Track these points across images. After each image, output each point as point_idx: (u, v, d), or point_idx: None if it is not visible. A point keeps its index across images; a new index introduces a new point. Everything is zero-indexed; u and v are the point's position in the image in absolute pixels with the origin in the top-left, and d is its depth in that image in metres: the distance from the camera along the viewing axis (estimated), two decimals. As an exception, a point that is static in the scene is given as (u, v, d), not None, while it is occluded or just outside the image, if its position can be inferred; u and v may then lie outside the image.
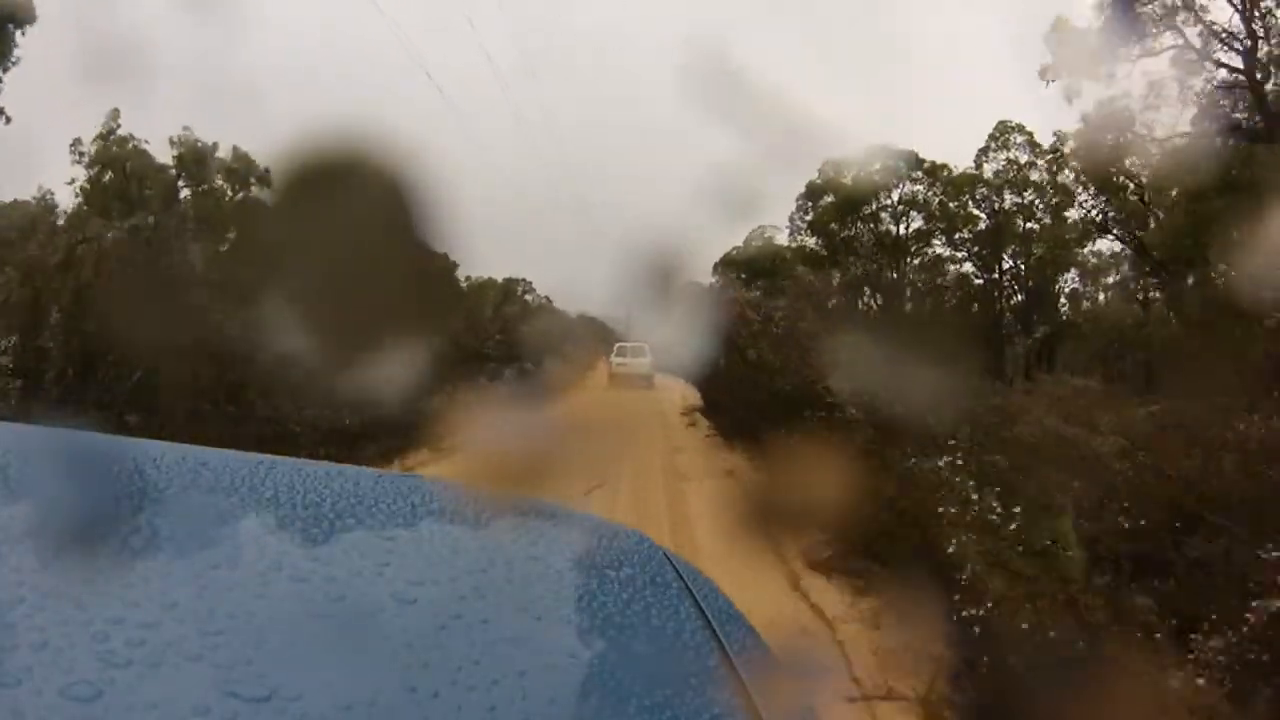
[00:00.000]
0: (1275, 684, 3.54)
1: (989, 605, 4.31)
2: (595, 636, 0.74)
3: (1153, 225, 13.98)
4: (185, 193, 15.40)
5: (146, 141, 14.96)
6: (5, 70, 12.53)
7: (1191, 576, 4.68)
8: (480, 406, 9.48)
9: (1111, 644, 3.94)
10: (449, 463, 8.09)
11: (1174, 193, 12.95)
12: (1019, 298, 16.08)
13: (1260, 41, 12.12)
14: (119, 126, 14.71)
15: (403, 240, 1.09)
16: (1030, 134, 15.55)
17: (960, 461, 5.99)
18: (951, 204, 15.96)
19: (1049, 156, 15.13)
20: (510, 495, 1.06)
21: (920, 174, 16.09)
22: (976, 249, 15.96)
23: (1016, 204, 15.76)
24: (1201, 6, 12.38)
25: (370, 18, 23.88)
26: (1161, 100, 12.53)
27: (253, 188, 15.20)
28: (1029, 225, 15.77)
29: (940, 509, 5.35)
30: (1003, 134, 15.69)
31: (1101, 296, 16.25)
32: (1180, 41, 12.46)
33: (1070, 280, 16.17)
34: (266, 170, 14.70)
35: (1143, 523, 5.24)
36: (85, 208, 14.26)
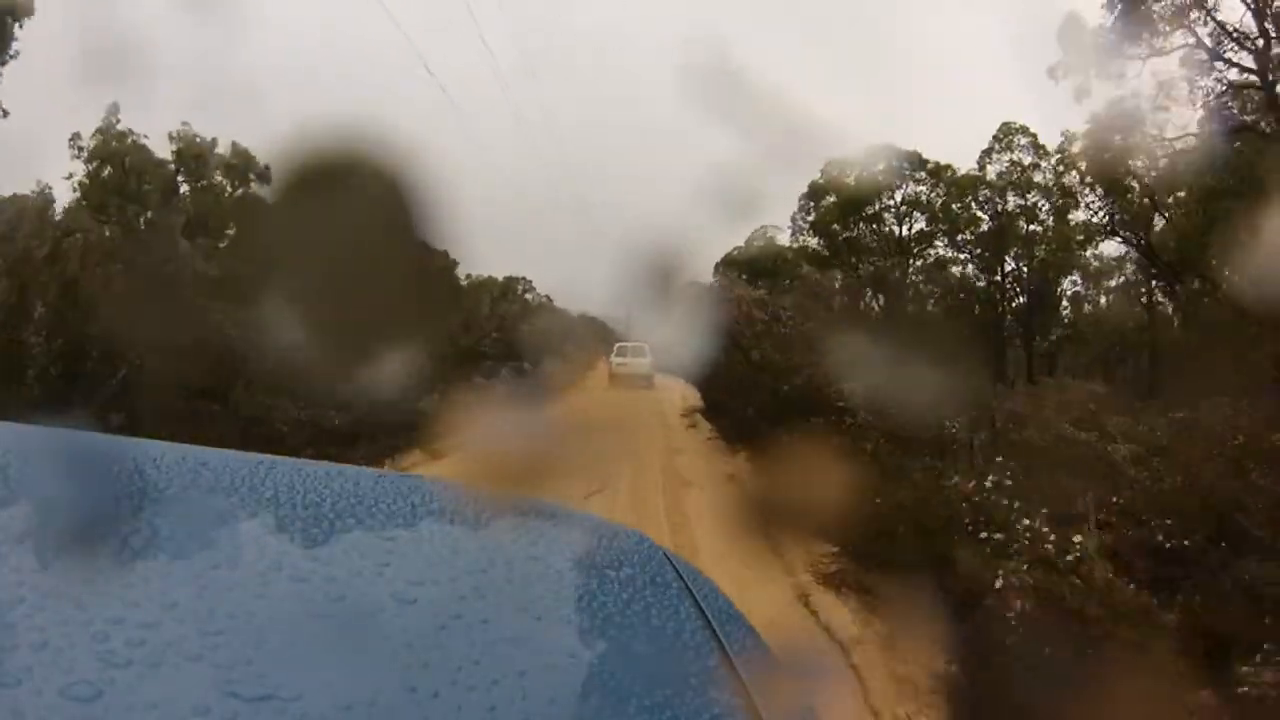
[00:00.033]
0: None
1: (1021, 632, 4.06)
2: (595, 636, 0.74)
3: (1159, 227, 13.89)
4: (184, 189, 15.37)
5: (145, 136, 14.92)
6: (3, 64, 12.49)
7: (1217, 589, 4.41)
8: (476, 406, 9.29)
9: (1148, 672, 3.69)
10: (441, 465, 7.93)
11: (1183, 194, 12.84)
12: (1021, 300, 16.05)
13: (1273, 41, 12.01)
14: (118, 121, 14.69)
15: (400, 237, 1.09)
16: (1034, 135, 15.51)
17: (1008, 481, 5.60)
18: (955, 205, 15.92)
19: (1056, 156, 15.04)
20: (510, 495, 1.06)
21: (924, 174, 16.06)
22: (979, 251, 15.94)
23: (1020, 206, 15.73)
24: (1213, 5, 12.28)
25: (370, 17, 23.86)
26: (1172, 100, 12.41)
27: (252, 184, 15.18)
28: (1032, 227, 15.73)
29: (984, 534, 5.01)
30: (1006, 135, 15.66)
31: (1103, 300, 16.21)
32: (1191, 40, 12.36)
33: (1073, 283, 16.13)
34: (266, 167, 14.68)
35: (1167, 534, 4.98)
36: (83, 203, 14.24)
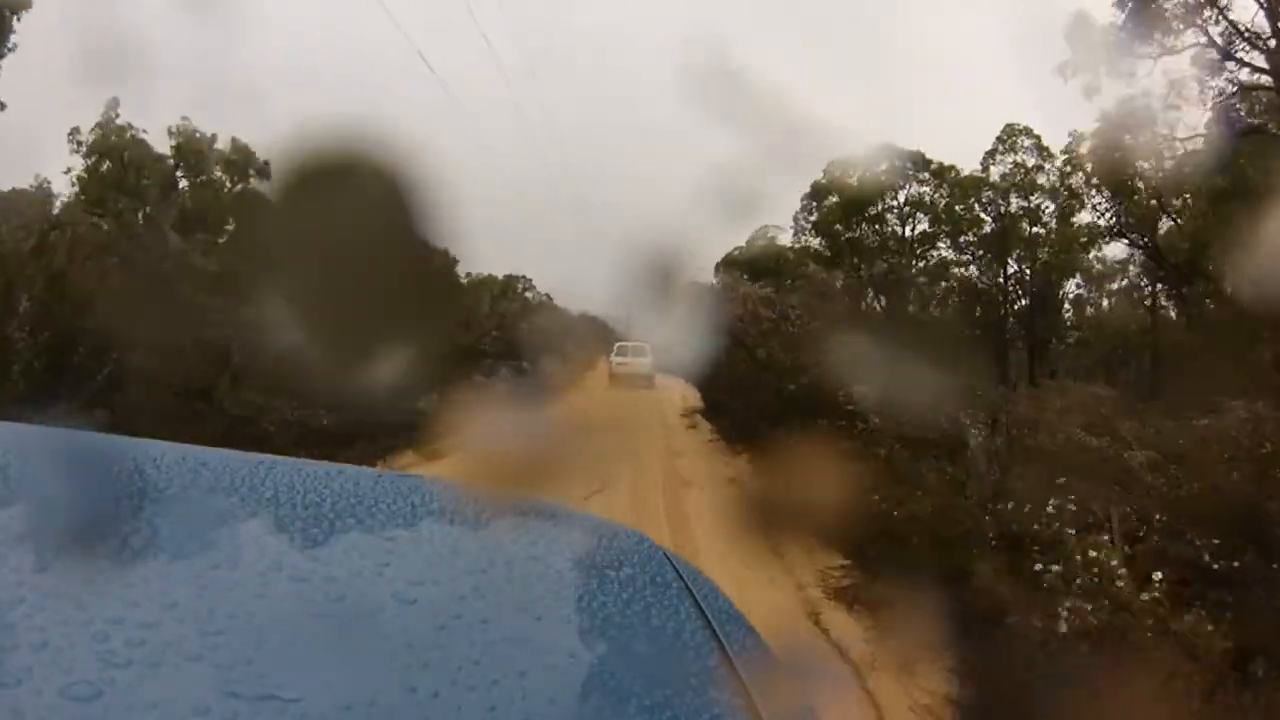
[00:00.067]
0: None
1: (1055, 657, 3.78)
2: (595, 636, 0.74)
3: (1165, 229, 13.78)
4: (183, 184, 15.36)
5: (144, 131, 14.92)
6: (1, 57, 12.46)
7: (1269, 609, 4.13)
8: (474, 406, 9.06)
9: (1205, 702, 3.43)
10: (437, 467, 7.76)
11: (1191, 196, 12.72)
12: (1023, 302, 16.00)
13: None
14: (117, 116, 14.68)
15: (398, 234, 1.09)
16: (1038, 137, 15.46)
17: (1072, 507, 5.18)
18: (958, 207, 15.89)
19: (1063, 156, 14.95)
20: (510, 495, 1.06)
21: (927, 175, 16.03)
22: (981, 253, 15.90)
23: (1023, 208, 15.68)
24: (1226, 4, 12.16)
25: (371, 18, 23.89)
26: (1183, 100, 12.29)
27: (252, 180, 15.16)
28: (1035, 229, 15.68)
29: (1040, 566, 4.62)
30: (1010, 136, 15.62)
31: (1105, 303, 16.16)
32: (1203, 40, 12.26)
33: (1075, 285, 16.07)
34: (266, 163, 14.67)
35: (1211, 552, 4.69)
36: (81, 197, 14.22)
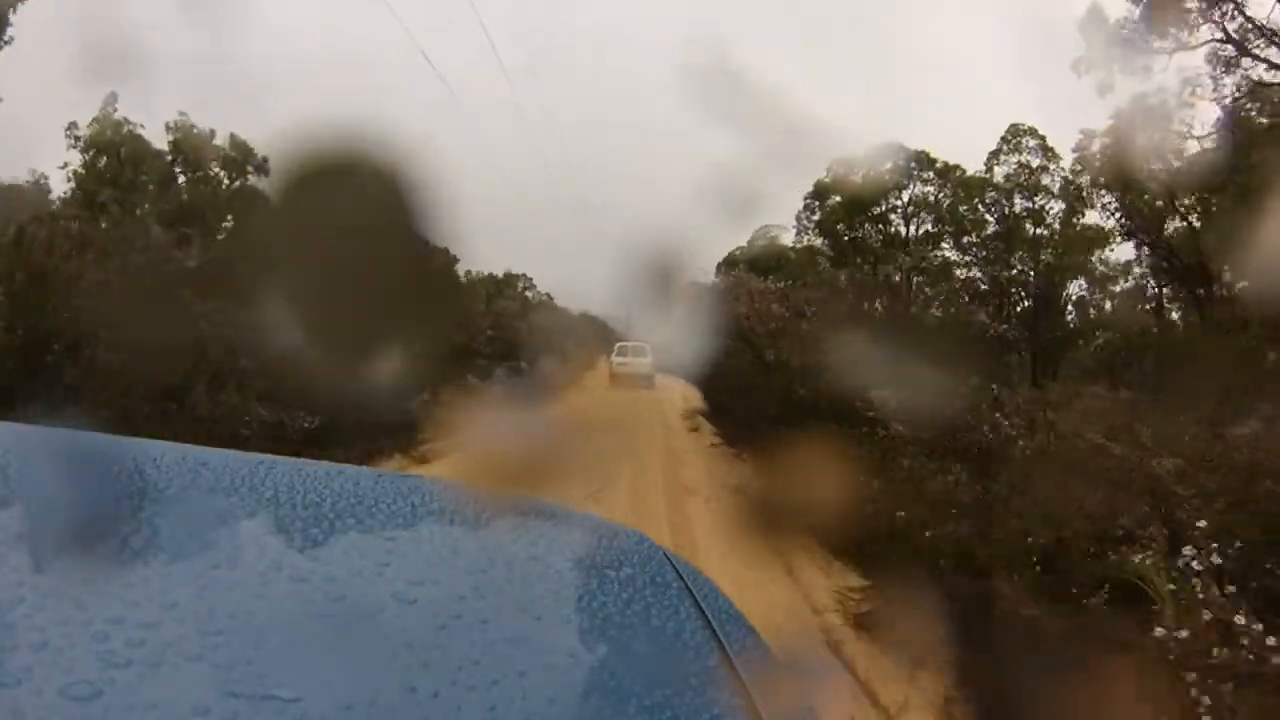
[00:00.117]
0: None
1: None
2: (595, 636, 0.74)
3: (1179, 229, 13.65)
4: (181, 180, 15.34)
5: (141, 126, 14.89)
6: (-2, 49, 12.39)
7: None
8: (467, 407, 8.90)
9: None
10: (424, 471, 7.46)
11: (1206, 195, 12.57)
12: (1027, 303, 15.94)
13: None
14: (115, 111, 14.66)
15: (394, 231, 1.09)
16: (1043, 137, 15.41)
17: (1216, 559, 4.46)
18: (961, 207, 15.85)
19: (1074, 155, 14.82)
20: (510, 495, 1.06)
21: (931, 174, 15.99)
22: (984, 254, 15.86)
23: (1027, 208, 15.64)
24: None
25: (371, 17, 23.90)
26: (1197, 97, 12.16)
27: (250, 177, 15.15)
28: (1039, 230, 15.64)
29: (1158, 630, 3.92)
30: (1015, 136, 15.58)
31: (1108, 304, 16.11)
32: (1219, 35, 12.13)
33: (1079, 287, 16.00)
34: (265, 160, 14.66)
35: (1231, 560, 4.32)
36: (78, 192, 14.20)
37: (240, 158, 15.33)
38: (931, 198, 16.05)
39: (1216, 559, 4.19)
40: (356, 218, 1.08)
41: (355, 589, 0.72)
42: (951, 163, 15.89)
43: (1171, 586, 4.25)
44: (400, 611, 0.69)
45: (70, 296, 8.10)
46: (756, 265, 15.81)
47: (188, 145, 15.15)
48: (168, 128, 15.10)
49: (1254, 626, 3.62)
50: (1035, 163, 15.54)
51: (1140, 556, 4.64)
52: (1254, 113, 12.15)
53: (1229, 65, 12.19)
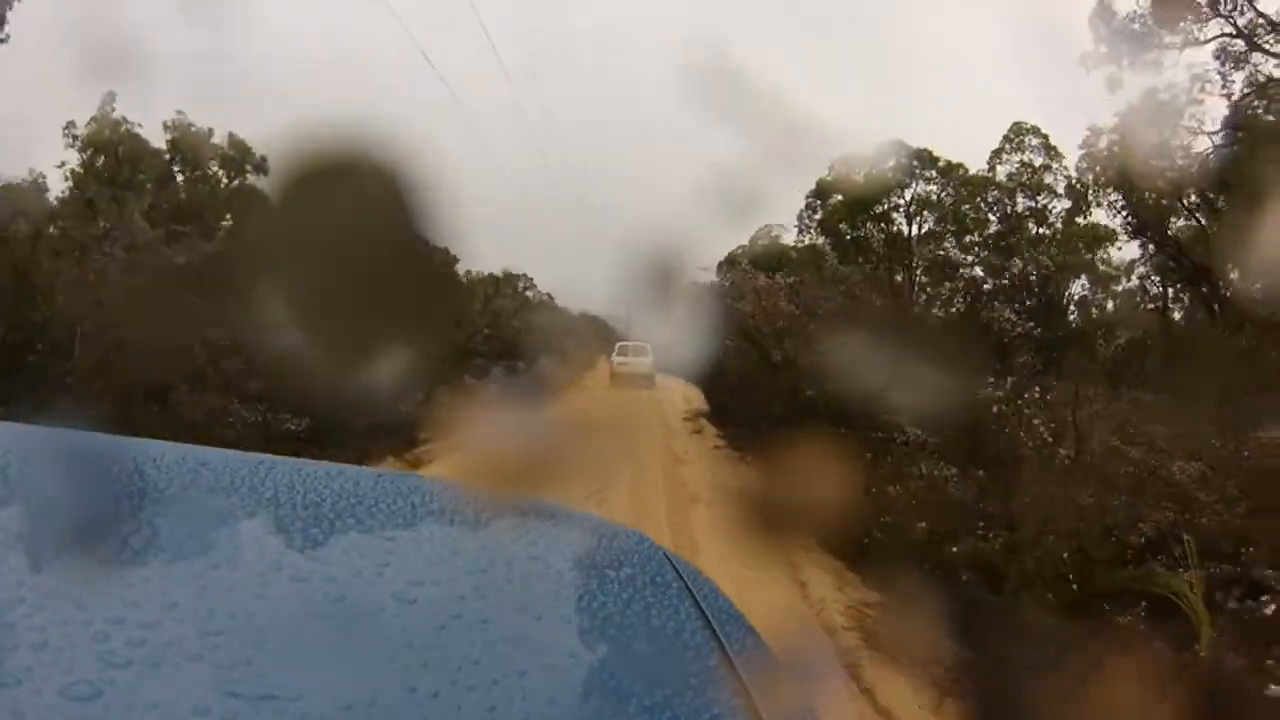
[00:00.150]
0: None
1: None
2: (595, 636, 0.74)
3: (1189, 227, 13.55)
4: (179, 179, 15.34)
5: (139, 125, 14.89)
6: (-6, 46, 12.33)
7: None
8: (464, 408, 8.57)
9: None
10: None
11: (1217, 193, 12.45)
12: (1029, 303, 15.88)
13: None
14: (113, 110, 14.65)
15: (388, 230, 1.08)
16: (1045, 136, 15.37)
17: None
18: (964, 206, 15.82)
19: (1081, 151, 14.71)
20: (510, 495, 1.06)
21: (934, 173, 15.96)
22: (986, 254, 15.82)
23: (1029, 207, 15.61)
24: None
25: (371, 16, 23.89)
26: (1206, 93, 12.04)
27: (249, 176, 15.14)
28: (1041, 230, 15.60)
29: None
30: (1017, 135, 15.55)
31: (1110, 304, 16.06)
32: (1230, 30, 12.00)
33: (1081, 286, 15.94)
34: (263, 159, 14.64)
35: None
36: (76, 191, 14.19)
37: (239, 157, 15.33)
38: (934, 196, 16.02)
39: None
40: (355, 217, 1.08)
41: (355, 589, 0.72)
42: (955, 161, 15.86)
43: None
44: (400, 611, 0.69)
45: (52, 295, 8.00)
46: (758, 264, 15.78)
47: (185, 144, 15.15)
48: (165, 126, 15.11)
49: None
50: (1038, 161, 15.52)
51: (1175, 572, 4.45)
52: (1260, 110, 12.05)
53: (1238, 61, 12.09)
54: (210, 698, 0.55)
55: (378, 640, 0.65)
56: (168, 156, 15.20)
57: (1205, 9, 11.95)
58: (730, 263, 16.25)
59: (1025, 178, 15.62)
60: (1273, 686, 3.43)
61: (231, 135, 15.38)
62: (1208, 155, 12.27)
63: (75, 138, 14.73)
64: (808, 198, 16.36)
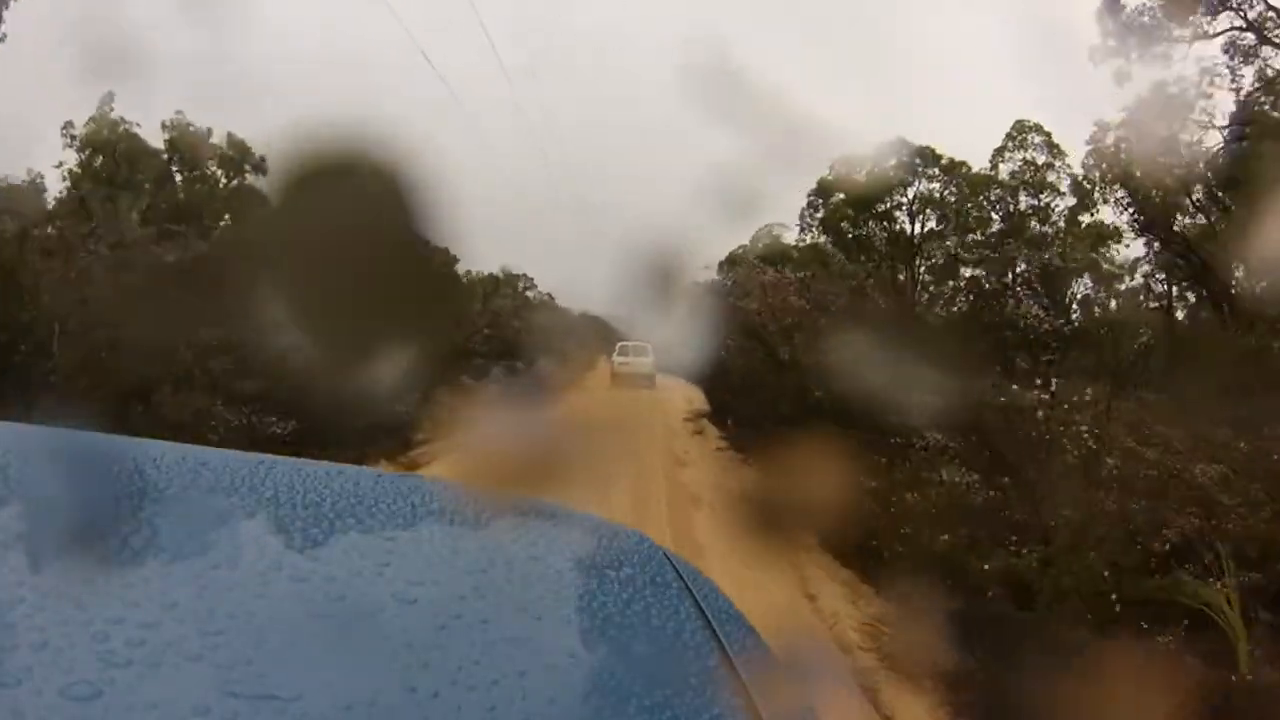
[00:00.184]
0: None
1: None
2: (595, 636, 0.74)
3: (1189, 224, 13.44)
4: (178, 179, 15.33)
5: (138, 125, 14.89)
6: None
7: None
8: (460, 410, 8.41)
9: None
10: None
11: (1215, 190, 12.32)
12: (1031, 303, 15.83)
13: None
14: (112, 110, 14.64)
15: (386, 230, 1.08)
16: (1049, 134, 15.33)
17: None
18: (968, 204, 15.79)
19: (1088, 148, 14.61)
20: (510, 495, 1.06)
21: (937, 171, 15.92)
22: (987, 253, 15.78)
23: (1032, 206, 15.56)
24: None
25: (371, 16, 23.89)
26: (1216, 87, 11.92)
27: (247, 175, 15.14)
28: (1044, 228, 15.55)
29: None
30: (1020, 133, 15.52)
31: (1112, 303, 16.00)
32: (1240, 23, 11.90)
33: (1084, 285, 15.88)
34: (262, 159, 14.64)
35: None
36: (74, 191, 14.18)
37: (237, 157, 15.33)
38: (937, 194, 15.97)
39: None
40: (355, 217, 1.08)
41: (355, 589, 0.72)
42: (957, 159, 15.82)
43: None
44: (400, 611, 0.69)
45: (38, 295, 7.94)
46: (762, 262, 15.75)
47: (184, 144, 15.15)
48: (164, 126, 15.11)
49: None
50: (1041, 159, 15.48)
51: (1204, 581, 4.28)
52: (1268, 106, 11.95)
53: (1247, 55, 11.98)
54: (210, 698, 0.55)
55: (378, 640, 0.65)
56: (166, 157, 15.20)
57: (1215, 2, 11.83)
58: (732, 262, 16.22)
59: (1028, 175, 15.58)
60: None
61: (230, 135, 15.39)
62: (1216, 151, 12.16)
63: (73, 138, 14.74)
64: (809, 196, 16.32)
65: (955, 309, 15.54)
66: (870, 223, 16.22)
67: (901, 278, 15.79)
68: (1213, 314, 13.21)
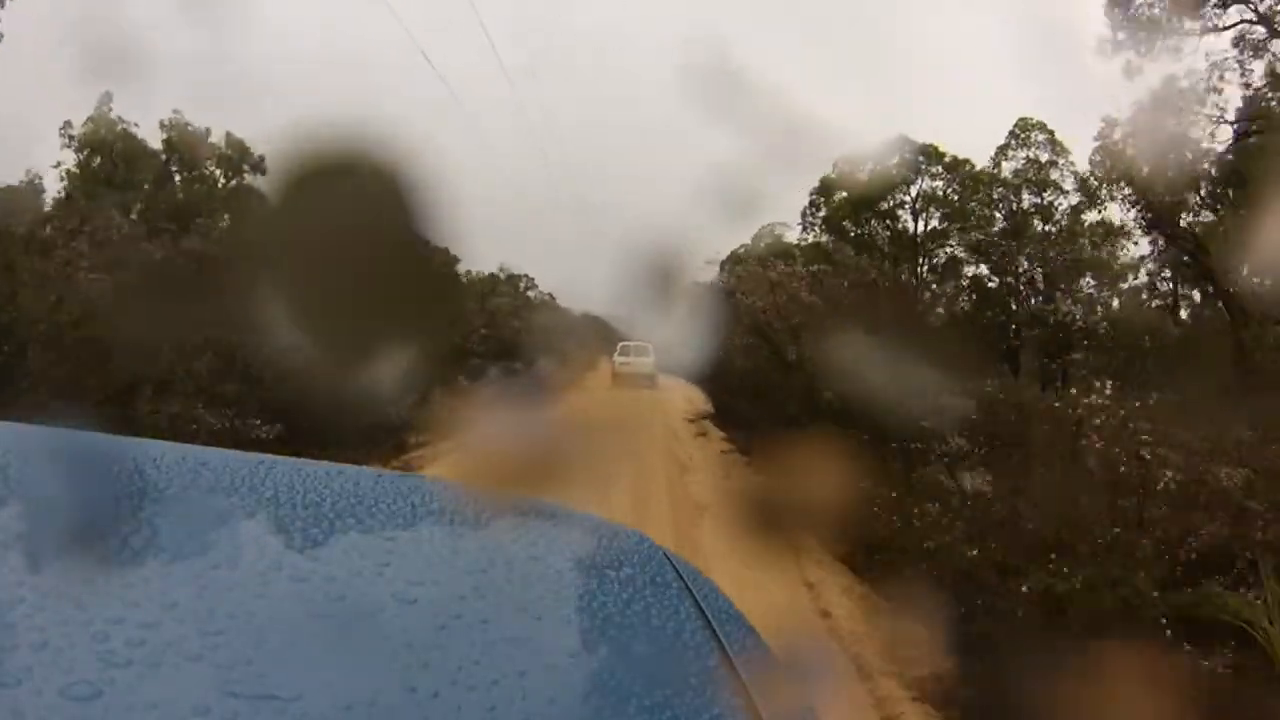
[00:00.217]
0: None
1: None
2: (595, 636, 0.74)
3: (1196, 221, 13.33)
4: (177, 179, 15.33)
5: (136, 125, 14.88)
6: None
7: None
8: (459, 411, 8.35)
9: None
10: None
11: (1220, 189, 12.19)
12: (1034, 302, 15.78)
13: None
14: (110, 110, 14.63)
15: (389, 229, 1.08)
16: (1052, 132, 15.28)
17: None
18: (970, 203, 15.74)
19: (1095, 144, 14.49)
20: (510, 495, 1.06)
21: (940, 169, 15.87)
22: (992, 251, 15.73)
23: (1035, 204, 15.51)
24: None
25: (371, 16, 23.93)
26: (1225, 82, 11.79)
27: (246, 175, 15.13)
28: (1047, 227, 15.50)
29: None
30: (1023, 131, 15.48)
31: (1115, 302, 15.95)
32: (1250, 16, 11.78)
33: (1087, 285, 15.81)
34: (261, 158, 14.65)
35: None
36: (73, 191, 14.17)
37: (236, 156, 15.32)
38: (940, 192, 15.91)
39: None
40: (354, 217, 1.08)
41: (355, 589, 0.72)
42: (960, 157, 15.76)
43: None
44: (400, 611, 0.70)
45: (16, 295, 7.87)
46: (763, 262, 15.71)
47: (182, 144, 15.14)
48: (162, 126, 15.10)
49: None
50: (1044, 157, 15.43)
51: (1238, 593, 4.12)
52: (1276, 103, 11.85)
53: (1257, 49, 11.86)
54: (210, 698, 0.55)
55: (378, 640, 0.65)
56: (164, 157, 15.19)
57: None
58: (734, 261, 16.19)
59: (1031, 173, 15.53)
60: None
61: (229, 135, 15.38)
62: (1225, 147, 12.03)
63: (72, 138, 14.74)
64: (811, 195, 16.29)
65: (959, 307, 15.48)
66: (873, 221, 16.17)
67: (904, 276, 15.75)
68: (1220, 312, 13.09)
